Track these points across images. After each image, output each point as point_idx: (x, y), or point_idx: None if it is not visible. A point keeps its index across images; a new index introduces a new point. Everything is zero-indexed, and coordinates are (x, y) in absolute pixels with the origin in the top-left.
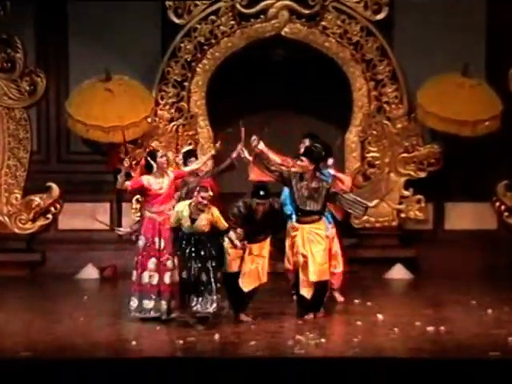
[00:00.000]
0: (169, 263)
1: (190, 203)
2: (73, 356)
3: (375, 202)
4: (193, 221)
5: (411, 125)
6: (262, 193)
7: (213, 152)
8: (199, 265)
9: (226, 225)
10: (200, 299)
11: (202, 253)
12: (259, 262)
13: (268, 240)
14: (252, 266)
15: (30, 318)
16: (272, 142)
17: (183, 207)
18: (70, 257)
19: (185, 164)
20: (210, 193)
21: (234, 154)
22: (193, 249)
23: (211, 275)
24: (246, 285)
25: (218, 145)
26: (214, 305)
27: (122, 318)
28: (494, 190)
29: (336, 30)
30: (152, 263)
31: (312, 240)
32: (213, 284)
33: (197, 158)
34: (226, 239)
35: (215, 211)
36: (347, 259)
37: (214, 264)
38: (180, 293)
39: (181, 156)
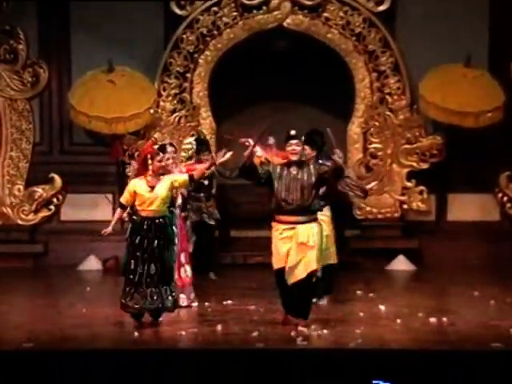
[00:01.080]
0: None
1: (146, 174)
2: (75, 347)
3: (373, 183)
4: (152, 189)
5: (413, 116)
6: (292, 132)
7: (221, 160)
8: (151, 254)
9: (185, 175)
10: (144, 293)
11: (162, 240)
12: (306, 253)
13: (316, 224)
14: (297, 258)
15: (33, 309)
16: (274, 134)
17: (138, 180)
18: (73, 248)
19: (197, 153)
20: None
21: (247, 153)
22: (149, 234)
23: (161, 266)
24: (290, 277)
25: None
26: (156, 297)
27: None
28: (496, 181)
29: (338, 22)
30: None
31: None
32: (161, 276)
33: (210, 151)
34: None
35: (167, 176)
36: (350, 250)
37: (168, 253)
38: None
39: (194, 145)
